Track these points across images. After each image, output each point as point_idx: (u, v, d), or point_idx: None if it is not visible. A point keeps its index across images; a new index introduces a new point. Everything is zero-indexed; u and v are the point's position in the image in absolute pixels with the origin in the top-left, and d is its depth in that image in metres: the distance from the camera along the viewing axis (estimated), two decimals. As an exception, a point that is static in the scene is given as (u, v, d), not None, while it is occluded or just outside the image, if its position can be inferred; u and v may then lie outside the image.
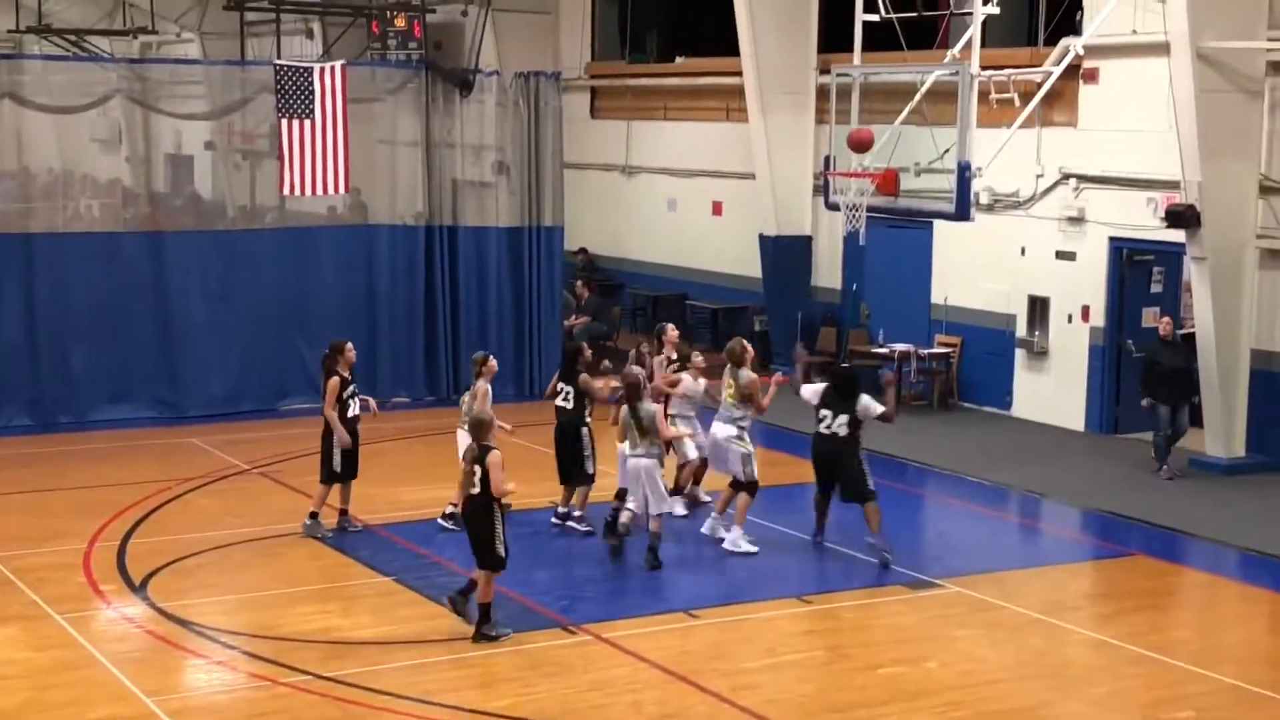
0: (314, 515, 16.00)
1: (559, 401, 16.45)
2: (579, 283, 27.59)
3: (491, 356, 16.27)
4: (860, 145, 17.72)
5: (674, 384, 16.54)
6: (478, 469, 12.66)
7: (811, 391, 15.68)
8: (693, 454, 16.69)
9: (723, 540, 15.54)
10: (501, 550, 12.70)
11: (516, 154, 23.61)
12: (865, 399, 15.18)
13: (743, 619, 13.65)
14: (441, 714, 11.42)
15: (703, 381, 16.73)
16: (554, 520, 16.46)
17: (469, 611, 12.91)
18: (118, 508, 16.88)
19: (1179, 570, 16.01)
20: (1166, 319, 19.58)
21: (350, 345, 16.39)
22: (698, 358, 16.93)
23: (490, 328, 23.61)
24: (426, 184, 23.25)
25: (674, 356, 17.10)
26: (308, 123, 21.21)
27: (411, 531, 16.11)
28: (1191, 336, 20.14)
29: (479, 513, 12.77)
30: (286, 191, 21.77)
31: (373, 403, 16.55)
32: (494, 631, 12.74)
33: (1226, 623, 14.47)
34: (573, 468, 16.30)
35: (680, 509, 16.61)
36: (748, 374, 15.63)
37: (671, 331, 17.59)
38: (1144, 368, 19.26)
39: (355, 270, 22.89)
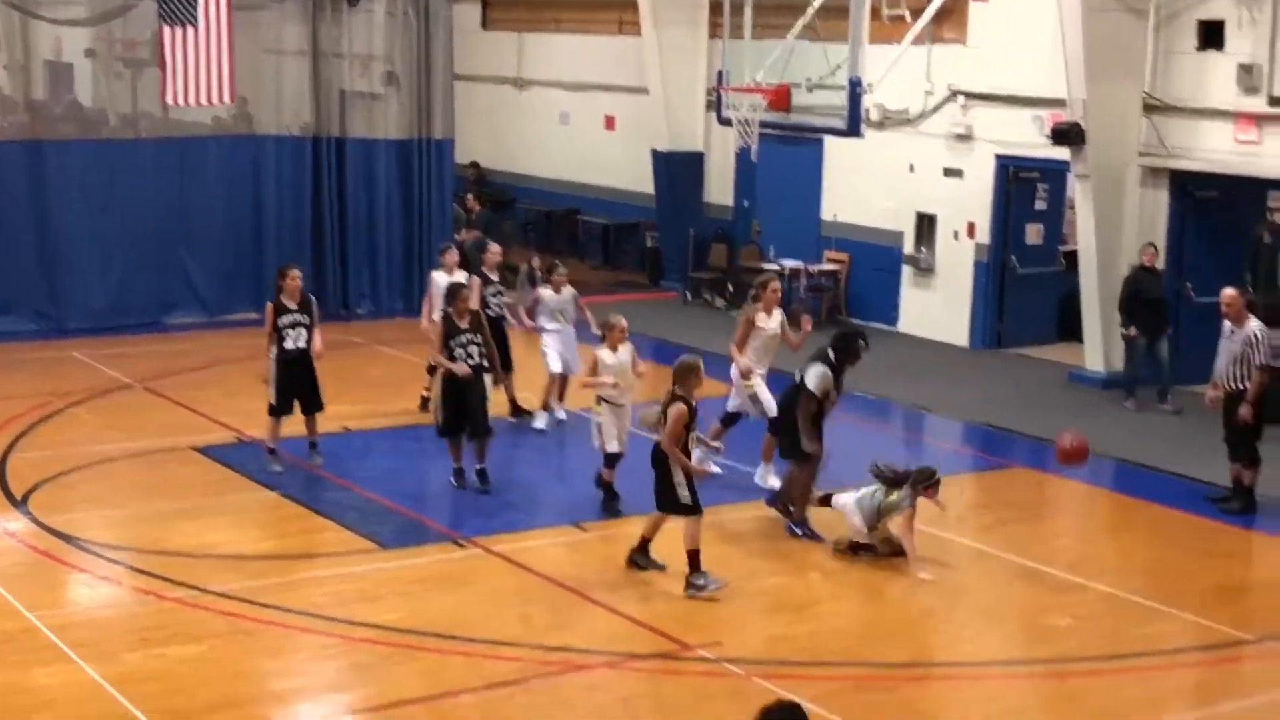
0: (270, 450, 15.34)
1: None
2: (470, 197, 27.40)
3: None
4: (1074, 456, 14.08)
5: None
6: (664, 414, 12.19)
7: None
8: (556, 367, 16.73)
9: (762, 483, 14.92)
10: (685, 495, 12.04)
11: (406, 65, 23.42)
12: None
13: (628, 530, 13.71)
14: (331, 627, 11.40)
15: (568, 290, 16.81)
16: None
17: (654, 564, 12.45)
18: (-1, 422, 16.68)
19: (1058, 481, 16.26)
20: (1150, 247, 18.79)
21: (294, 272, 15.56)
22: (558, 271, 17.03)
23: (379, 242, 23.54)
24: (314, 95, 23.04)
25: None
26: (191, 30, 20.82)
27: (302, 447, 16.00)
28: (1073, 254, 20.48)
29: (658, 458, 12.18)
30: (170, 101, 21.41)
31: (318, 343, 15.51)
32: (702, 581, 11.99)
33: (1102, 533, 14.79)
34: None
35: (540, 424, 16.76)
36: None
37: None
38: (1127, 295, 18.68)
39: (241, 182, 22.70)
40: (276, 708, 10.27)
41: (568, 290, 16.92)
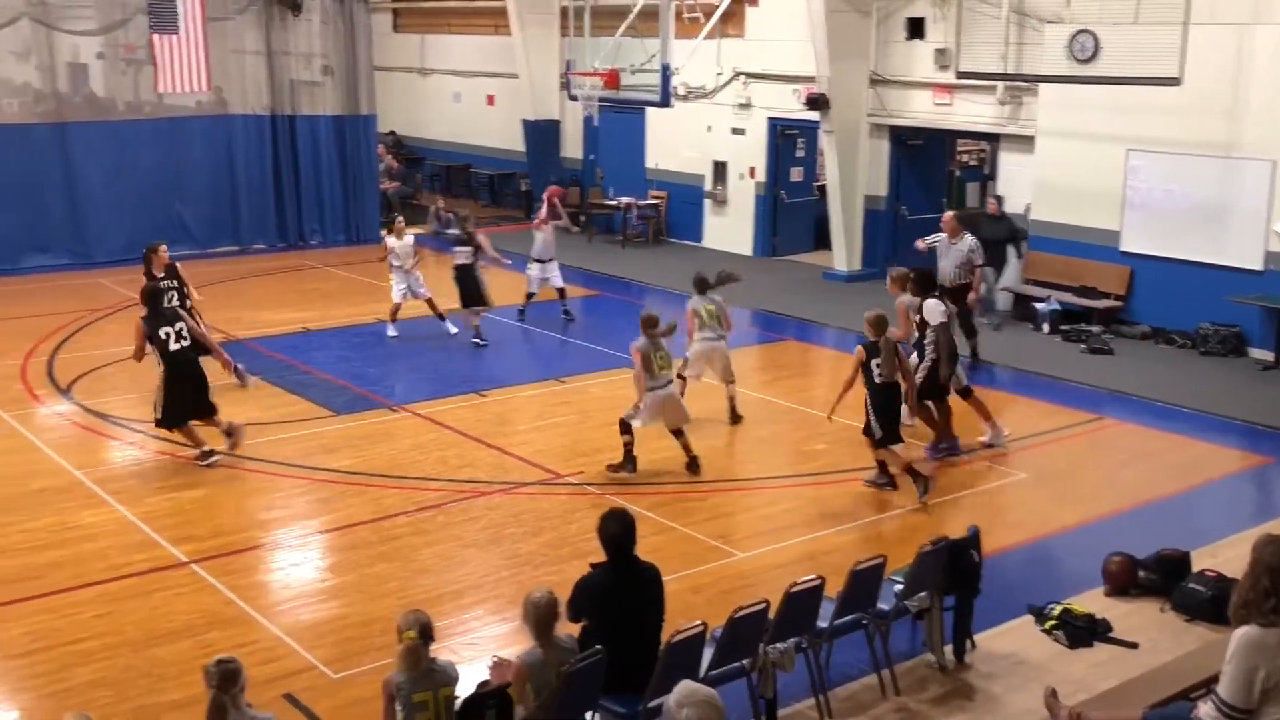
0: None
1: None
2: (390, 156, 26.99)
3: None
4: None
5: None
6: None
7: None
8: (397, 298, 16.10)
9: None
10: (874, 426, 10.84)
11: (338, 60, 22.91)
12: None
13: (516, 396, 13.78)
14: (299, 473, 11.38)
15: (409, 237, 16.18)
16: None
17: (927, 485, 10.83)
18: (45, 332, 16.22)
19: (817, 350, 16.56)
20: (994, 199, 17.57)
21: (162, 248, 13.97)
22: (397, 221, 16.51)
23: (324, 189, 23.10)
24: (270, 83, 22.46)
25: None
26: (175, 37, 20.28)
27: (274, 343, 15.76)
28: (824, 188, 20.69)
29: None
30: (162, 90, 20.89)
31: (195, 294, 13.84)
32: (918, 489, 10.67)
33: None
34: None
35: (452, 329, 16.20)
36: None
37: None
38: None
39: (218, 148, 22.14)
40: (262, 532, 10.25)
41: (409, 236, 16.27)
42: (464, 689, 6.17)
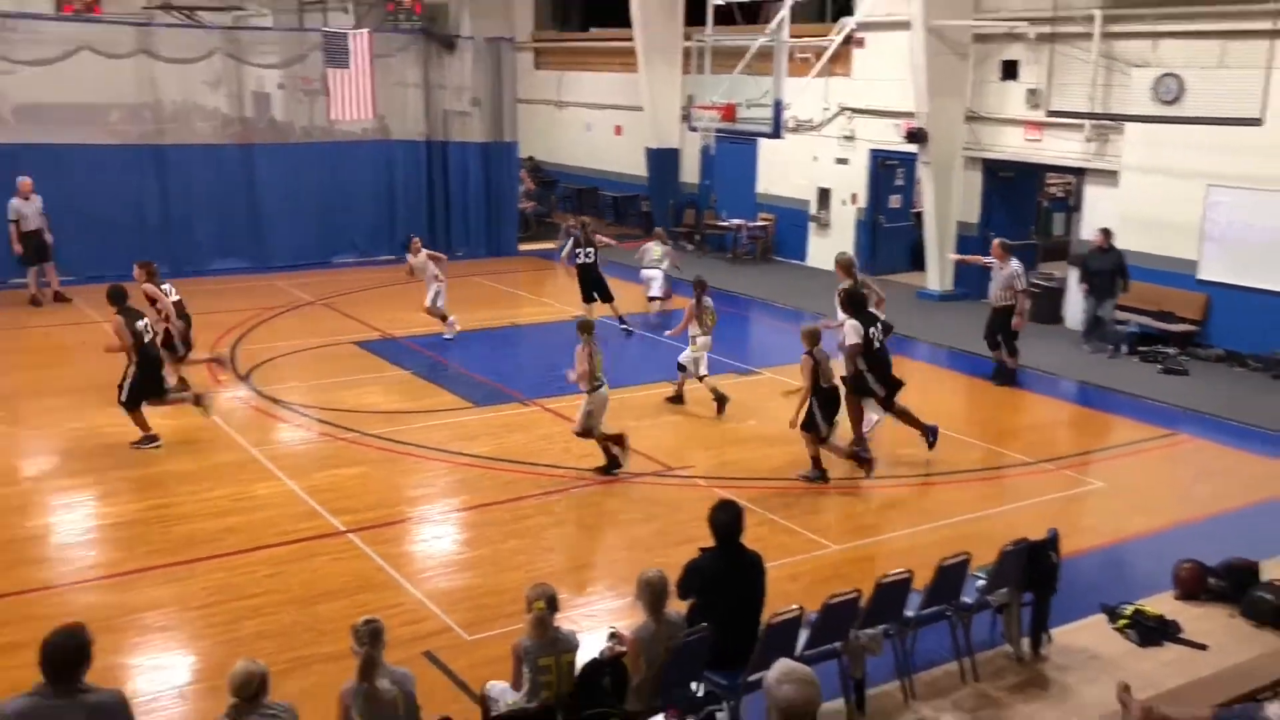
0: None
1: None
2: (528, 178, 27.26)
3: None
4: None
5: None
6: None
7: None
8: (427, 302, 16.03)
9: None
10: (820, 425, 10.76)
11: (485, 93, 23.08)
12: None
13: (634, 395, 13.79)
14: (443, 457, 11.53)
15: (423, 254, 15.93)
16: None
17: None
18: (228, 326, 16.67)
19: (909, 362, 16.19)
20: (1101, 232, 16.07)
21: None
22: (412, 243, 16.16)
23: (471, 207, 23.29)
24: (427, 112, 22.73)
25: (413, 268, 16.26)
26: (346, 71, 20.67)
27: (424, 341, 16.03)
28: (919, 214, 20.33)
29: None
30: (334, 117, 21.25)
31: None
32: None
33: (935, 393, 14.78)
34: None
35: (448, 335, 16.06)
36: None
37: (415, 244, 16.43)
38: (1082, 266, 16.58)
39: (380, 169, 22.44)
40: (409, 507, 10.40)
41: (422, 254, 16.06)
42: (583, 656, 6.20)
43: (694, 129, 20.24)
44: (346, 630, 5.80)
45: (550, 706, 5.98)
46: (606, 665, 6.06)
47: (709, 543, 6.68)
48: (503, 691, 6.23)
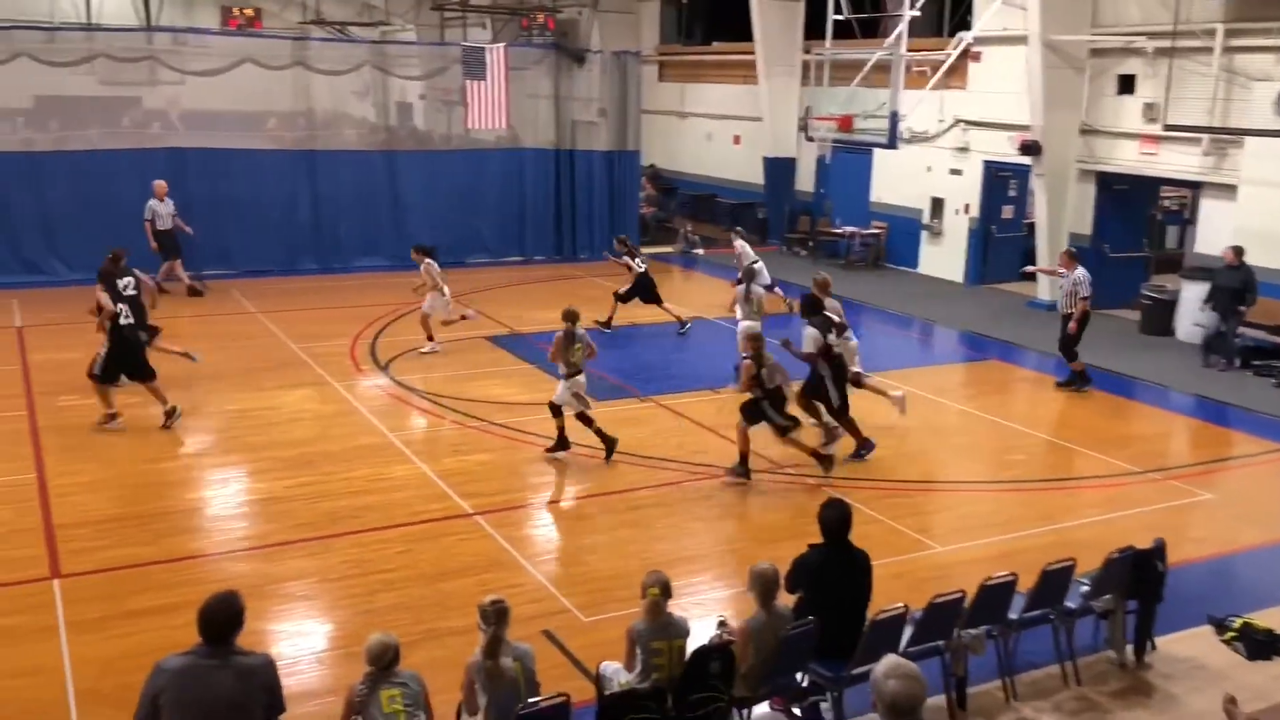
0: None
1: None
2: (650, 185, 27.35)
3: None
4: None
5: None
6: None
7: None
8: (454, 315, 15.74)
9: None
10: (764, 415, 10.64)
11: (612, 104, 23.20)
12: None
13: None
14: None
15: (441, 286, 15.38)
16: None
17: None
18: (369, 319, 17.10)
19: (1018, 370, 15.92)
20: (1231, 249, 15.29)
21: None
22: (428, 259, 15.50)
23: (595, 210, 23.46)
24: (556, 123, 22.96)
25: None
26: (483, 83, 20.97)
27: (547, 337, 16.09)
28: (1032, 225, 19.79)
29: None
30: (470, 126, 21.55)
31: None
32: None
33: (1044, 401, 14.40)
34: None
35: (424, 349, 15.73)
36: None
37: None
38: (1210, 281, 15.81)
39: (511, 175, 22.73)
40: (533, 494, 10.54)
41: (426, 263, 15.60)
42: (694, 642, 6.20)
43: (811, 139, 20.05)
44: (472, 606, 5.91)
45: (661, 688, 6.00)
46: (715, 652, 6.05)
47: (817, 539, 6.62)
48: (616, 671, 6.28)
